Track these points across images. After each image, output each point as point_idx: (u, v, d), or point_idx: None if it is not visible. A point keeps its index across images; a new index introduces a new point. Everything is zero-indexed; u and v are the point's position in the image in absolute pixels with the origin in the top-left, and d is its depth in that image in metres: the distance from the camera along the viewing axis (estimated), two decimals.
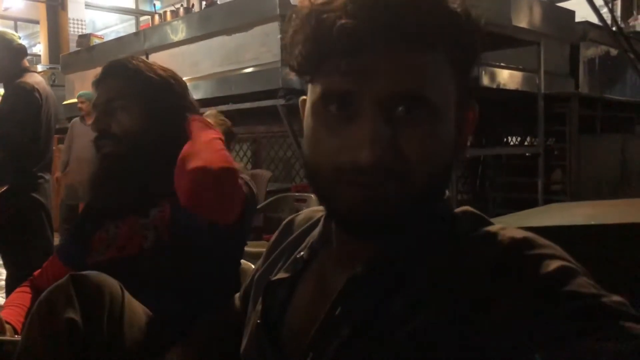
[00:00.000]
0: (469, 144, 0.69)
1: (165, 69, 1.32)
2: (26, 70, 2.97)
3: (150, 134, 1.23)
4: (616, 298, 0.52)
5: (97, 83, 1.28)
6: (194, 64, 4.94)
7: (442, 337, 0.56)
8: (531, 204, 4.67)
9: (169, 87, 1.29)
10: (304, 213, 0.85)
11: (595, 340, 0.48)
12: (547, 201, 4.70)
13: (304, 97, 0.69)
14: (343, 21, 0.56)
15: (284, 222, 0.87)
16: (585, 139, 4.99)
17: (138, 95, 1.24)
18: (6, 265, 2.94)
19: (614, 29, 4.91)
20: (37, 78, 2.95)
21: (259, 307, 0.74)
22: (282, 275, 0.74)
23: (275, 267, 0.79)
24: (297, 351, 0.65)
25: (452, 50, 0.60)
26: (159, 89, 1.27)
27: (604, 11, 6.48)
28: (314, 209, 0.84)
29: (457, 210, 0.69)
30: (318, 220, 0.77)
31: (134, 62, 1.29)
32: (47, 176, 3.02)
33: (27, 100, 2.80)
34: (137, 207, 1.26)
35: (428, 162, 0.60)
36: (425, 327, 0.57)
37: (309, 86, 0.65)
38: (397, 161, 0.58)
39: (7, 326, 1.15)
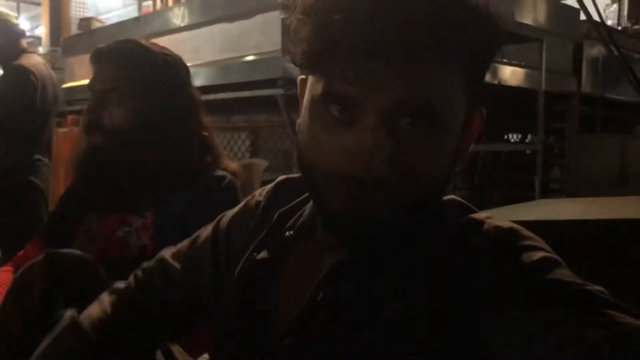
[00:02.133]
0: (470, 149, 0.67)
1: (170, 54, 1.29)
2: (23, 51, 2.94)
3: (142, 134, 1.20)
4: (597, 287, 0.53)
5: (96, 61, 1.24)
6: (195, 50, 4.90)
7: (423, 322, 0.56)
8: (528, 201, 4.67)
9: (171, 73, 1.26)
10: (293, 177, 0.82)
11: (578, 327, 0.48)
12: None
13: (304, 76, 0.67)
14: (354, 22, 0.52)
15: (277, 184, 0.83)
16: (585, 138, 4.98)
17: (135, 87, 1.21)
18: (2, 247, 2.94)
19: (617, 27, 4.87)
20: (34, 60, 2.93)
21: (239, 285, 0.72)
22: (265, 254, 0.72)
23: (251, 243, 0.77)
24: (276, 331, 0.65)
25: (467, 63, 0.58)
26: (160, 76, 1.23)
27: (612, 9, 6.44)
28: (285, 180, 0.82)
29: (444, 198, 0.68)
30: (306, 199, 0.76)
31: (139, 46, 1.25)
32: (45, 159, 3.01)
33: (21, 83, 2.78)
34: (121, 206, 1.24)
35: (428, 174, 0.59)
36: (405, 311, 0.57)
37: (310, 77, 0.63)
38: (395, 175, 0.56)
39: None
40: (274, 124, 5.52)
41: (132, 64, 1.21)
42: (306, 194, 0.76)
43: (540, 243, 0.59)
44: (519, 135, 5.89)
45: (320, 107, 0.59)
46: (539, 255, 0.57)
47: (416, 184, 0.58)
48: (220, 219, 0.87)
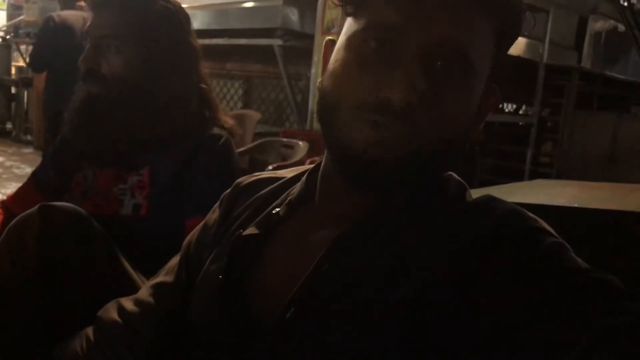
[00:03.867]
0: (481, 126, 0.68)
1: (171, 1, 1.22)
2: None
3: (141, 83, 1.16)
4: (607, 275, 0.53)
5: (95, 7, 1.18)
6: None
7: (433, 300, 0.56)
8: (518, 173, 4.69)
9: (171, 21, 1.20)
10: (251, 177, 0.82)
11: (593, 315, 0.48)
12: (533, 172, 4.72)
13: (331, 37, 0.68)
14: None
15: (233, 187, 0.82)
16: (580, 114, 4.97)
17: (135, 35, 1.15)
18: None
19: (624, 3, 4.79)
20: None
21: (221, 263, 0.70)
22: (252, 230, 0.70)
23: (233, 225, 0.75)
24: (271, 306, 0.63)
25: (498, 20, 0.60)
26: (160, 24, 1.17)
27: None
28: (265, 173, 0.82)
29: (445, 174, 0.69)
30: (292, 179, 0.76)
31: None
32: None
33: None
34: (117, 159, 1.20)
35: (452, 123, 0.60)
36: (416, 290, 0.57)
37: (349, 20, 0.63)
38: (424, 113, 0.57)
39: None
40: (269, 74, 5.43)
41: (132, 11, 1.15)
42: (285, 178, 0.77)
43: (546, 226, 0.60)
44: (513, 106, 5.87)
45: (358, 42, 0.60)
46: (548, 240, 0.56)
47: (440, 125, 0.59)
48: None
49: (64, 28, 3.38)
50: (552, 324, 0.50)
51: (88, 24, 1.18)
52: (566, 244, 0.57)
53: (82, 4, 3.23)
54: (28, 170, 5.36)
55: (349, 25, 0.63)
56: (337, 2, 0.63)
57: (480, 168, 5.03)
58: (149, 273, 1.02)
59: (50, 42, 3.43)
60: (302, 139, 3.70)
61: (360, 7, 0.61)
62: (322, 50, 0.69)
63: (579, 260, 0.55)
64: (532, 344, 0.50)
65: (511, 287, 0.54)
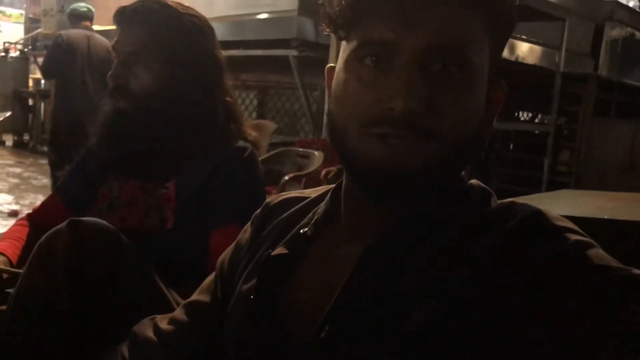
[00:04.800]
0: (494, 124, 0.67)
1: (196, 14, 1.23)
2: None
3: (169, 98, 1.16)
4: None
5: (121, 22, 1.18)
6: (209, 3, 4.80)
7: (464, 308, 0.56)
8: (535, 182, 4.64)
9: (198, 35, 1.20)
10: (279, 197, 0.82)
11: (621, 315, 0.48)
12: (551, 181, 4.67)
13: (331, 64, 0.69)
14: None
15: (262, 207, 0.83)
16: (598, 122, 4.91)
17: (163, 50, 1.15)
18: None
19: None
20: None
21: (253, 283, 0.70)
22: (281, 250, 0.70)
23: (263, 245, 0.75)
24: (303, 326, 0.63)
25: (491, 16, 0.60)
26: (187, 39, 1.18)
27: None
28: (292, 193, 0.82)
29: (469, 182, 0.68)
30: (318, 198, 0.76)
31: (165, 7, 1.18)
32: None
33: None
34: (143, 172, 1.21)
35: (460, 124, 0.59)
36: (446, 300, 0.57)
37: (343, 44, 0.63)
38: (429, 119, 0.57)
39: (2, 258, 1.15)
40: (284, 84, 5.45)
41: (159, 26, 1.15)
42: (310, 198, 0.77)
43: (573, 225, 0.59)
44: (529, 114, 5.83)
45: (355, 63, 0.61)
46: (575, 238, 0.56)
47: (450, 134, 0.58)
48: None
49: (69, 44, 4.13)
50: (580, 324, 0.49)
51: (115, 39, 1.18)
52: (593, 241, 0.57)
53: (88, 24, 4.32)
54: (45, 181, 5.42)
55: (343, 48, 0.63)
56: (328, 30, 0.64)
57: (497, 177, 4.99)
58: (174, 285, 1.02)
59: (58, 56, 4.15)
60: (317, 149, 3.71)
61: (351, 30, 0.61)
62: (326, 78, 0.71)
63: (609, 257, 0.55)
64: (559, 344, 0.50)
65: (538, 286, 0.53)
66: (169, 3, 1.19)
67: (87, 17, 4.40)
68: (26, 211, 4.41)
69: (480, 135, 0.63)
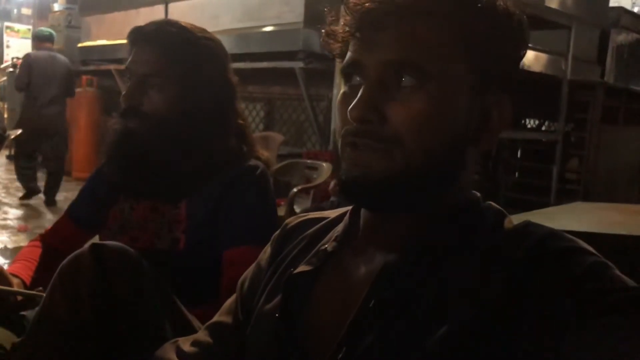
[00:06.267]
0: (496, 139, 0.67)
1: (211, 37, 1.22)
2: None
3: (181, 120, 1.16)
4: None
5: (135, 42, 1.18)
6: (214, 17, 4.83)
7: (479, 329, 0.56)
8: (544, 191, 4.62)
9: (212, 58, 1.20)
10: (299, 218, 0.84)
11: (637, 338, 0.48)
12: (560, 189, 4.64)
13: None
14: (365, 5, 0.62)
15: (282, 228, 0.84)
16: (606, 129, 4.89)
17: (177, 73, 1.15)
18: None
19: None
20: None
21: (276, 302, 0.71)
22: (304, 267, 0.71)
23: (283, 264, 0.76)
24: (323, 345, 0.63)
25: (462, 27, 0.61)
26: (202, 62, 1.18)
27: None
28: (311, 214, 0.84)
29: (484, 204, 0.69)
30: (337, 219, 0.77)
31: (181, 29, 1.18)
32: None
33: None
34: (154, 192, 1.21)
35: (419, 135, 0.61)
36: (461, 320, 0.57)
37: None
38: (386, 127, 0.61)
39: (16, 280, 1.15)
40: (290, 96, 5.46)
41: (176, 49, 1.15)
42: (329, 218, 0.79)
43: (586, 245, 0.59)
44: (536, 122, 5.81)
45: (344, 86, 0.67)
46: (590, 259, 0.56)
47: (410, 145, 0.61)
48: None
49: (37, 63, 5.11)
50: (597, 347, 0.49)
51: (129, 59, 1.18)
52: (609, 262, 0.56)
53: (50, 45, 5.31)
54: (57, 197, 5.43)
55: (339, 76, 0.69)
56: (332, 56, 0.71)
57: (505, 186, 4.97)
58: (186, 306, 1.02)
59: (27, 73, 5.09)
60: (325, 160, 3.71)
61: (344, 56, 0.67)
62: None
63: (625, 277, 0.55)
64: None
65: (553, 310, 0.53)
66: (185, 25, 1.19)
67: (50, 39, 5.40)
68: (34, 226, 4.50)
69: (463, 145, 0.64)
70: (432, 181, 0.64)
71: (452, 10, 0.61)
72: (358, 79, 0.64)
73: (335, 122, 0.69)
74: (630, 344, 0.48)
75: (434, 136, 0.61)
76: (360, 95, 0.61)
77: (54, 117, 5.13)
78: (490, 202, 0.69)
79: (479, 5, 0.62)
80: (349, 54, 0.65)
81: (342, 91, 0.67)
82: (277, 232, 0.83)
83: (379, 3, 0.61)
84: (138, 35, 1.18)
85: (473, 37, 0.62)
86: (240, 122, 1.26)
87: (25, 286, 1.16)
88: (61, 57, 5.32)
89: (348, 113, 0.62)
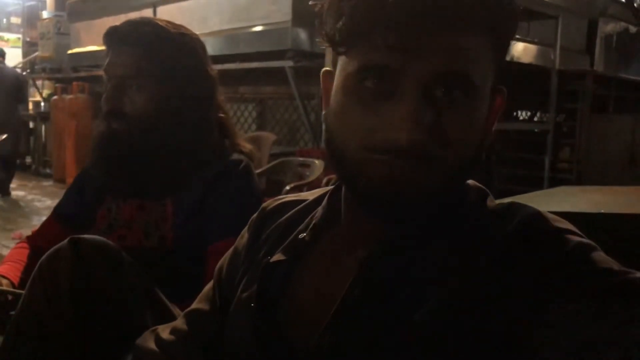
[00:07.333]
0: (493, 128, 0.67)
1: (187, 33, 1.22)
2: None
3: (163, 117, 1.16)
4: None
5: (112, 44, 1.18)
6: (203, 19, 4.83)
7: (462, 311, 0.56)
8: (537, 181, 4.64)
9: (190, 53, 1.20)
10: (276, 201, 0.82)
11: (626, 321, 0.48)
12: (553, 179, 4.66)
13: (327, 68, 0.67)
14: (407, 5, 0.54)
15: (259, 211, 0.82)
16: (597, 118, 4.91)
17: (155, 71, 1.15)
18: None
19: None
20: None
21: (252, 290, 0.70)
22: (279, 257, 0.71)
23: (261, 251, 0.75)
24: (305, 333, 0.63)
25: (495, 35, 0.59)
26: (179, 58, 1.18)
27: None
28: (289, 197, 0.82)
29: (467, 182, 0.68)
30: (315, 201, 0.76)
31: (157, 27, 1.18)
32: None
33: None
34: (139, 191, 1.21)
35: (464, 146, 0.59)
36: (446, 303, 0.57)
37: (342, 58, 0.62)
38: (436, 145, 0.57)
39: (5, 281, 1.16)
40: (282, 95, 5.47)
41: (152, 48, 1.15)
42: (307, 201, 0.77)
43: (572, 227, 0.59)
44: (527, 113, 5.82)
45: (355, 83, 0.59)
46: (575, 240, 0.56)
47: (455, 156, 0.58)
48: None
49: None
50: (584, 330, 0.49)
51: (106, 61, 1.19)
52: (594, 244, 0.57)
53: (0, 59, 6.23)
54: (49, 202, 5.43)
55: (343, 64, 0.62)
56: (327, 44, 0.62)
57: (498, 177, 4.98)
58: (176, 301, 1.03)
59: None
60: (317, 157, 3.71)
61: (352, 48, 0.60)
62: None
63: (611, 260, 0.55)
64: (562, 349, 0.50)
65: (540, 291, 0.53)
66: (159, 23, 1.19)
67: (1, 54, 6.41)
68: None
69: (483, 147, 0.63)
70: (457, 190, 0.64)
71: (494, 25, 0.59)
72: (388, 86, 0.57)
73: (337, 124, 0.62)
74: (593, 332, 0.49)
75: (469, 149, 0.60)
76: (411, 116, 0.55)
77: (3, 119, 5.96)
78: (472, 181, 0.69)
79: (514, 20, 0.61)
80: (375, 54, 0.57)
81: (351, 91, 0.60)
82: (254, 215, 0.82)
83: (426, 6, 0.54)
84: (114, 36, 1.18)
85: (502, 49, 0.62)
86: (221, 115, 1.26)
87: (14, 287, 1.17)
88: (10, 68, 6.60)
89: (386, 130, 0.56)
